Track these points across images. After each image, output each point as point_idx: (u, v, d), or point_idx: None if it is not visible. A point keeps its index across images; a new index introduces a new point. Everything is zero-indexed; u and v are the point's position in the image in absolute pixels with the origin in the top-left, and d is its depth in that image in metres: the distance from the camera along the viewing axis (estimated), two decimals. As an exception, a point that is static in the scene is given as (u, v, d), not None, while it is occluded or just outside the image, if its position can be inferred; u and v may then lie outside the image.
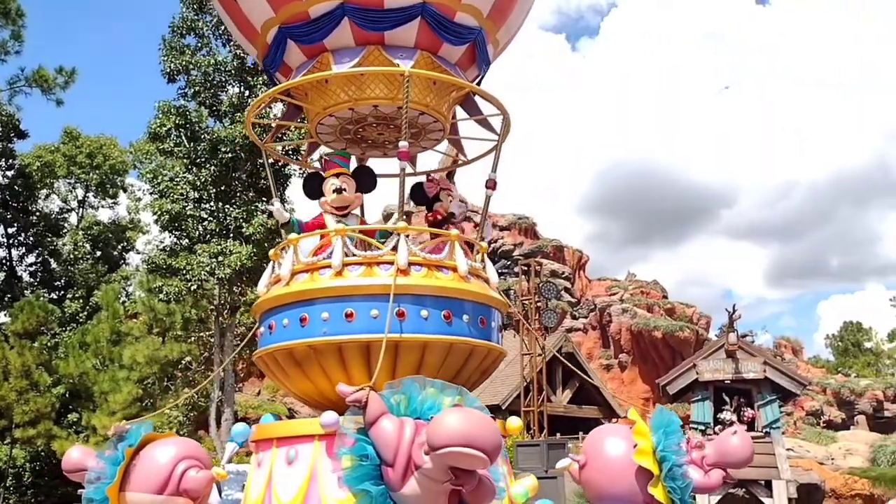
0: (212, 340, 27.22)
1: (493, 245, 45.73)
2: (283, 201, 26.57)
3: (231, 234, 24.82)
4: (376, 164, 7.45)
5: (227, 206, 25.05)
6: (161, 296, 25.33)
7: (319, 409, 6.43)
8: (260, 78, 25.09)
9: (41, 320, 28.30)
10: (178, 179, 24.73)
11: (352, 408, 4.58)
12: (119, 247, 39.09)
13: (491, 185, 6.70)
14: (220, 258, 23.91)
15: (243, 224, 24.49)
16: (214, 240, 24.46)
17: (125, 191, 40.57)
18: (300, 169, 26.16)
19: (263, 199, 25.74)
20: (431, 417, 4.51)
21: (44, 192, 38.08)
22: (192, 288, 24.22)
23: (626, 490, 5.46)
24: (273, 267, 6.64)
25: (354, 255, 6.03)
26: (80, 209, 40.17)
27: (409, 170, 7.79)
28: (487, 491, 4.28)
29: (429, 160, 7.92)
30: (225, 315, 26.05)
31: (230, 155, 24.60)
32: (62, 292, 35.79)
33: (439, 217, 6.86)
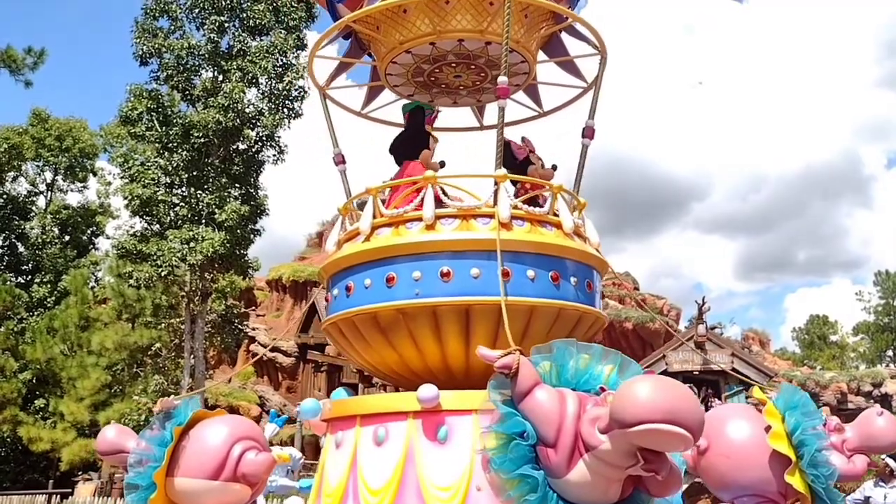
0: (182, 327, 26.46)
1: None
2: (256, 188, 25.76)
3: (203, 220, 24.44)
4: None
5: (200, 191, 24.64)
6: (131, 281, 24.83)
7: (398, 383, 5.65)
8: (234, 62, 24.34)
9: (8, 305, 27.43)
10: (149, 164, 24.30)
11: (496, 376, 3.80)
12: (88, 231, 38.12)
13: (589, 133, 5.97)
14: (192, 244, 23.60)
15: (216, 210, 24.11)
16: (186, 225, 24.08)
17: (95, 174, 39.43)
18: (275, 156, 25.55)
19: (237, 184, 25.18)
20: (594, 389, 3.77)
21: (11, 174, 37.00)
22: (162, 274, 23.85)
23: (758, 478, 4.76)
24: (342, 223, 5.84)
25: (447, 206, 5.25)
26: (49, 192, 38.93)
27: (486, 122, 7.11)
28: (676, 477, 3.54)
29: (492, 115, 7.12)
30: (196, 301, 25.48)
31: (203, 140, 24.27)
32: (30, 276, 34.88)
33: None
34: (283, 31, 25.49)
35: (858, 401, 48.13)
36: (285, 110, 25.85)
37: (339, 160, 6.30)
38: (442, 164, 5.73)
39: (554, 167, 6.14)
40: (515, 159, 6.09)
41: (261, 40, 25.67)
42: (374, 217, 5.41)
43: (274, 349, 38.83)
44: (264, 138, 25.90)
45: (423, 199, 5.25)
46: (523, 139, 6.21)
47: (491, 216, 5.19)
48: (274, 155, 26.23)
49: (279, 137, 26.09)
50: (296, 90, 25.82)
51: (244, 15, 25.25)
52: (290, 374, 39.46)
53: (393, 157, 6.06)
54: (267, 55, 25.00)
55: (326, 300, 5.70)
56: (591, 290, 5.46)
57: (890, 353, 61.13)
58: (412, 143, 5.87)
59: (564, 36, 6.28)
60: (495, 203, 5.22)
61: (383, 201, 5.61)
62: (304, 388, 38.65)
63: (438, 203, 5.27)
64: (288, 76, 25.57)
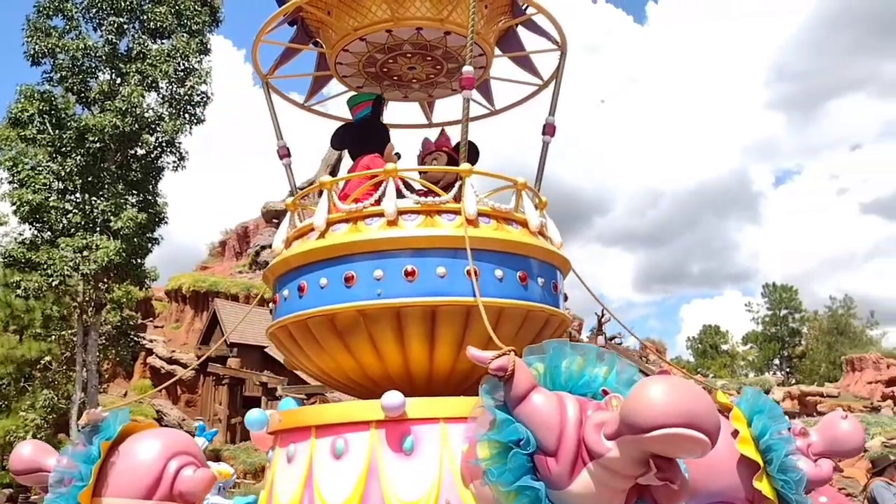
0: (74, 339, 25.10)
1: None
2: (155, 196, 24.72)
3: (98, 228, 23.36)
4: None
5: (94, 198, 23.57)
6: (19, 291, 23.22)
7: (352, 391, 5.29)
8: (133, 65, 23.38)
9: None
10: (40, 168, 23.08)
11: (488, 379, 3.49)
12: (-27, 239, 35.48)
13: (550, 130, 5.76)
14: (86, 253, 22.61)
15: (111, 217, 23.09)
16: (79, 233, 23.01)
17: (-20, 179, 36.87)
18: (175, 162, 24.49)
19: (134, 191, 24.20)
20: (591, 393, 3.51)
21: None
22: (53, 284, 22.73)
23: (727, 484, 4.63)
24: (292, 219, 5.44)
25: (414, 202, 4.93)
26: (-70, 196, 36.18)
27: (436, 119, 6.81)
28: (686, 485, 3.30)
29: (442, 111, 6.85)
30: (90, 313, 24.36)
31: (99, 145, 23.22)
32: None
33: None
34: (185, 35, 24.50)
35: (748, 408, 50.05)
36: (187, 116, 24.89)
37: (284, 153, 5.90)
38: (398, 157, 5.42)
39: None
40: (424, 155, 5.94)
41: (162, 43, 24.63)
42: (330, 212, 5.03)
43: (173, 362, 37.37)
44: (164, 144, 24.88)
45: (383, 194, 4.91)
46: (429, 139, 5.99)
47: (456, 212, 4.90)
48: (174, 161, 25.21)
49: (180, 144, 25.08)
50: (198, 95, 24.88)
51: (145, 17, 24.16)
52: (189, 388, 38.00)
53: (348, 151, 5.71)
54: (168, 59, 24.00)
55: (274, 302, 5.27)
56: (556, 291, 5.25)
57: (777, 361, 63.93)
58: (371, 135, 5.53)
59: (521, 31, 6.05)
60: (460, 198, 4.94)
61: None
62: (204, 402, 37.32)
63: (400, 198, 4.94)
64: (190, 81, 24.61)
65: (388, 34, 5.53)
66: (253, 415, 5.11)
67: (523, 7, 5.81)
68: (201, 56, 25.00)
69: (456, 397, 4.73)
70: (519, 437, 3.31)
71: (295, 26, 5.96)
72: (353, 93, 6.19)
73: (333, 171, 51.24)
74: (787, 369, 61.19)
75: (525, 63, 6.20)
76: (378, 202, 4.90)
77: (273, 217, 47.97)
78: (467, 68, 5.03)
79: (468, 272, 4.70)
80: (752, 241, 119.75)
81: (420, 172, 5.39)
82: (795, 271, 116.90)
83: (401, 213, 4.87)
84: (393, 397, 4.43)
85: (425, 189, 5.06)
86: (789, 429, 4.84)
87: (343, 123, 5.93)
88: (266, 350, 36.61)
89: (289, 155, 5.90)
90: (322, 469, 4.56)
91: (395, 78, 6.05)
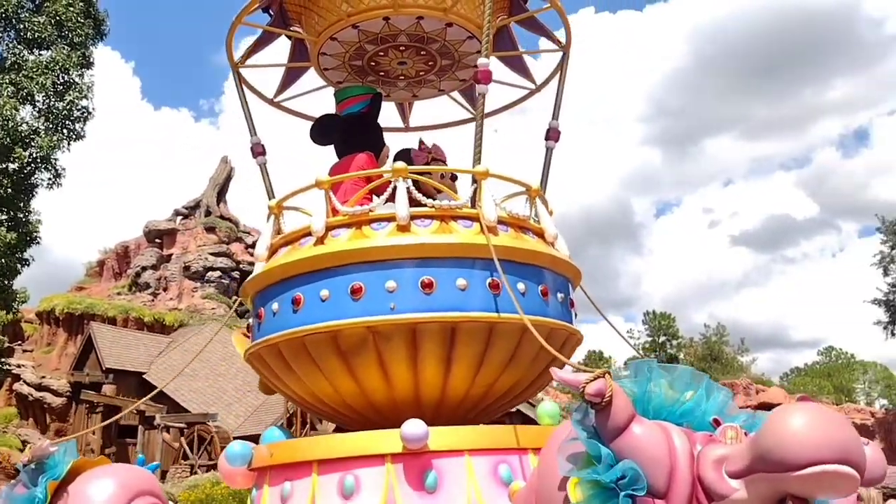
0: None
1: (240, 266, 42.82)
2: (27, 214, 22.92)
3: None
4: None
5: None
6: None
7: (346, 420, 4.66)
8: (7, 76, 21.75)
9: None
10: None
11: (579, 407, 2.98)
12: None
13: (554, 135, 5.35)
14: None
15: None
16: None
17: None
18: (51, 179, 22.80)
19: (4, 209, 22.37)
20: (688, 422, 3.06)
21: None
22: None
23: None
24: (275, 223, 4.78)
25: (423, 204, 4.38)
26: None
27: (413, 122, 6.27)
28: None
29: (422, 114, 6.33)
30: None
31: None
32: None
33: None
34: (66, 47, 22.89)
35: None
36: (65, 131, 23.20)
37: (259, 150, 5.24)
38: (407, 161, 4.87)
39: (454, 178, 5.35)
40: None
41: (40, 55, 22.92)
42: (328, 214, 4.42)
43: (42, 388, 34.80)
44: (38, 160, 23.08)
45: (393, 195, 4.35)
46: (421, 145, 5.40)
47: (472, 218, 4.39)
48: (49, 178, 23.41)
49: (56, 160, 23.30)
50: (78, 110, 23.24)
51: (21, 26, 22.46)
52: (60, 416, 35.36)
53: (335, 147, 5.11)
54: (46, 71, 22.32)
55: (259, 317, 4.58)
56: (572, 306, 4.81)
57: (656, 387, 65.70)
58: (366, 134, 4.97)
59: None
60: (475, 203, 4.44)
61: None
62: (76, 432, 34.82)
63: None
64: (70, 95, 22.96)
65: (385, 22, 5.00)
66: (234, 448, 4.40)
67: (525, 2, 5.40)
68: (83, 69, 23.38)
69: (480, 426, 4.22)
70: (624, 475, 2.82)
71: (268, 12, 5.35)
72: (330, 88, 5.62)
73: (222, 191, 49.42)
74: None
75: (516, 64, 5.78)
76: (391, 199, 4.33)
77: (156, 236, 45.79)
78: (483, 60, 4.55)
79: (491, 284, 4.21)
80: (633, 270, 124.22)
81: (429, 173, 4.84)
82: (674, 299, 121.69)
83: (414, 217, 4.32)
84: (415, 426, 3.86)
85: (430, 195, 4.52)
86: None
87: (327, 114, 5.31)
88: (144, 376, 34.64)
89: (264, 153, 5.25)
90: (328, 511, 3.91)
91: (382, 74, 5.51)
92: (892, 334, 35.74)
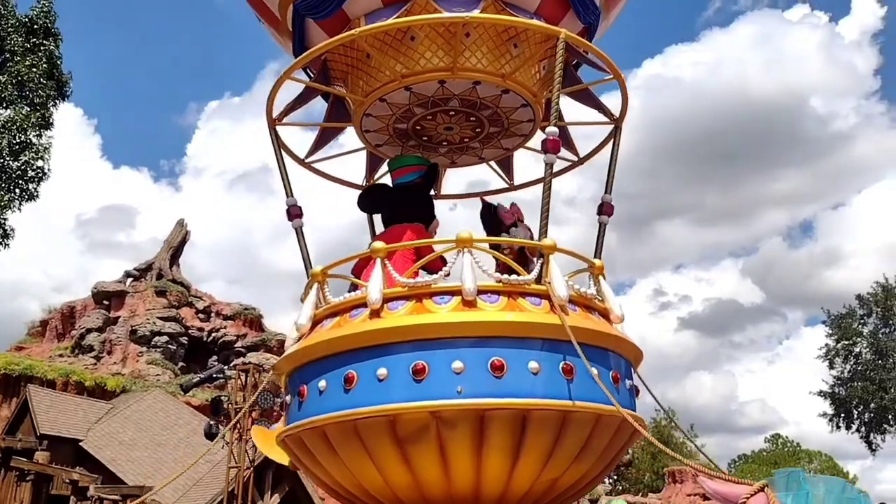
0: None
1: (213, 335, 41.97)
2: None
3: None
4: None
5: None
6: None
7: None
8: None
9: None
10: None
11: None
12: None
13: (608, 210, 5.08)
14: None
15: None
16: None
17: None
18: None
19: None
20: None
21: None
22: None
23: None
24: (317, 293, 4.37)
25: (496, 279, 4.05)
26: None
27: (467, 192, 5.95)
28: None
29: (457, 180, 6.04)
30: None
31: None
32: None
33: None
34: (26, 108, 22.31)
35: None
36: (17, 191, 22.43)
37: (296, 213, 4.86)
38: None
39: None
40: (503, 224, 5.04)
41: (-1, 113, 22.29)
42: (383, 286, 4.04)
43: (-29, 454, 32.83)
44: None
45: (452, 268, 4.02)
46: (512, 205, 5.16)
47: (541, 295, 4.06)
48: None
49: (5, 220, 22.44)
50: (33, 170, 22.54)
51: (-19, 84, 21.88)
52: (-13, 485, 33.31)
53: (382, 216, 4.78)
54: (2, 130, 21.69)
55: (301, 395, 4.13)
56: (637, 394, 4.47)
57: (604, 470, 64.96)
58: (418, 204, 4.66)
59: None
60: (542, 279, 4.12)
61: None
62: (3, 501, 32.79)
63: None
64: (25, 155, 22.28)
65: (441, 86, 4.74)
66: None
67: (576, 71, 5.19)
68: (42, 130, 22.78)
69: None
70: None
71: (308, 71, 5.07)
72: (362, 151, 5.31)
73: (176, 254, 48.28)
74: (615, 477, 62.38)
75: (562, 135, 5.54)
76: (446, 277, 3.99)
77: (104, 298, 44.30)
78: (551, 129, 4.31)
79: (564, 369, 3.86)
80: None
81: (495, 245, 4.52)
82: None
83: (481, 291, 3.98)
84: None
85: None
86: None
87: (379, 184, 5.00)
88: (81, 444, 32.95)
89: (300, 215, 4.86)
90: None
91: (425, 138, 5.23)
92: (838, 427, 35.71)
